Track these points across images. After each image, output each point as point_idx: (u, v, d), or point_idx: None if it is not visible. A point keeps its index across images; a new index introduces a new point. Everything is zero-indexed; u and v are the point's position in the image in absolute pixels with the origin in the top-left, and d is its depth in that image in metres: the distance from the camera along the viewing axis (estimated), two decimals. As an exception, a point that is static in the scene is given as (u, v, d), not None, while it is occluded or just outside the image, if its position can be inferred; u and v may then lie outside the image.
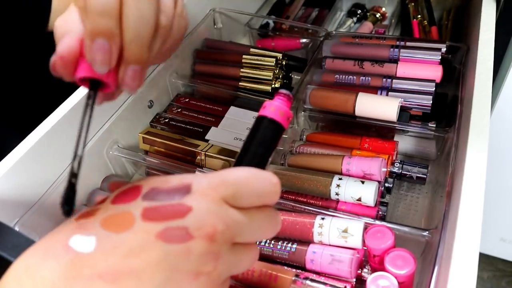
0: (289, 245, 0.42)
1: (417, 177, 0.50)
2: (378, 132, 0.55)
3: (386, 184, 0.49)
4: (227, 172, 0.25)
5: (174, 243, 0.22)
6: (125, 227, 0.23)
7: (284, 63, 0.64)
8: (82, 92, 0.47)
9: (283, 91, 0.29)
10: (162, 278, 0.22)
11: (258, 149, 0.28)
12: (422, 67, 0.55)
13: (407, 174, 0.51)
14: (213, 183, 0.25)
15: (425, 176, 0.50)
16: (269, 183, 0.26)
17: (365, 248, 0.41)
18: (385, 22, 0.80)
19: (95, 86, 0.27)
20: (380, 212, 0.47)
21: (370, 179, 0.47)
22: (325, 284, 0.38)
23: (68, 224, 0.24)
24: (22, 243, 0.34)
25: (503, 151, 0.90)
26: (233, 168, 0.26)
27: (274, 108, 0.29)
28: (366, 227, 0.41)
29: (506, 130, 0.86)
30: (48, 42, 0.55)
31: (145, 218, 0.23)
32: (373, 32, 0.76)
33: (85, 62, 0.26)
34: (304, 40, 0.71)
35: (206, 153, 0.52)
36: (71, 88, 0.47)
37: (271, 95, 0.61)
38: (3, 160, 0.41)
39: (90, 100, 0.26)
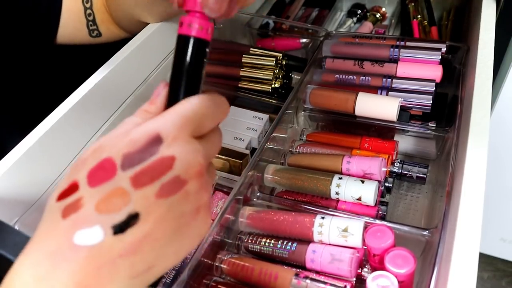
0: (289, 244, 0.42)
1: (417, 176, 0.50)
2: (378, 131, 0.55)
3: (386, 184, 0.49)
4: (183, 108, 0.26)
5: (173, 194, 0.24)
6: (123, 203, 0.23)
7: (284, 63, 0.64)
8: (82, 91, 0.47)
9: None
10: (172, 227, 0.24)
11: (192, 71, 0.28)
12: (422, 67, 0.55)
13: (407, 173, 0.51)
14: (178, 124, 0.25)
15: (425, 176, 0.50)
16: (218, 103, 0.28)
17: (365, 247, 0.41)
18: (385, 22, 0.80)
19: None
20: (380, 212, 0.47)
21: (370, 179, 0.47)
22: (325, 283, 0.38)
23: (58, 225, 0.23)
24: (22, 242, 0.34)
25: (503, 151, 0.90)
26: (184, 101, 0.27)
27: (196, 24, 0.28)
28: (366, 226, 0.41)
29: (506, 130, 0.85)
30: (53, 51, 0.56)
31: (137, 186, 0.23)
32: (373, 32, 0.76)
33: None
34: (304, 40, 0.71)
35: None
36: (70, 87, 0.47)
37: (271, 94, 0.62)
38: (3, 159, 0.41)
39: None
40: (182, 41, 0.28)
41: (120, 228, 0.22)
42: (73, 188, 0.24)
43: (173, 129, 0.25)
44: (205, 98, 0.27)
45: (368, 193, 0.45)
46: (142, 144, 0.24)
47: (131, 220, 0.22)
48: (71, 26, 0.56)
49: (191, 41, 0.28)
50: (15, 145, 0.42)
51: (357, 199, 0.46)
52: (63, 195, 0.24)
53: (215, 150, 0.28)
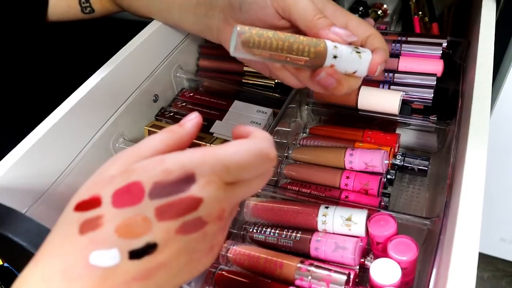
0: (294, 233, 0.43)
1: (418, 169, 0.51)
2: (380, 125, 0.55)
3: (388, 176, 0.50)
4: (227, 156, 0.26)
5: (192, 233, 0.24)
6: (144, 232, 0.23)
7: (287, 58, 0.64)
8: (89, 85, 0.48)
9: None
10: (185, 260, 0.25)
11: None
12: (423, 62, 0.56)
13: (409, 166, 0.51)
14: (216, 169, 0.25)
15: (426, 168, 0.51)
16: (267, 160, 0.27)
17: (368, 236, 0.41)
18: (386, 19, 0.81)
19: None
20: (383, 203, 0.48)
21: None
22: (329, 270, 0.39)
23: (74, 240, 0.23)
24: (34, 228, 0.35)
25: (503, 150, 0.89)
26: (232, 147, 0.26)
27: None
28: (369, 216, 0.41)
29: (505, 131, 0.85)
30: (46, 40, 0.57)
31: (161, 218, 0.23)
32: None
33: None
34: (306, 36, 0.71)
35: (211, 145, 0.53)
36: (71, 87, 0.48)
37: (274, 89, 0.62)
38: (12, 150, 0.42)
39: None
40: None
41: (137, 254, 0.23)
42: (94, 202, 0.24)
43: (209, 173, 0.25)
44: (254, 151, 0.26)
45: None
46: (176, 177, 0.24)
47: (149, 249, 0.23)
48: (63, 3, 0.57)
49: None
50: (13, 147, 0.42)
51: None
52: (82, 207, 0.24)
53: (248, 193, 0.28)
